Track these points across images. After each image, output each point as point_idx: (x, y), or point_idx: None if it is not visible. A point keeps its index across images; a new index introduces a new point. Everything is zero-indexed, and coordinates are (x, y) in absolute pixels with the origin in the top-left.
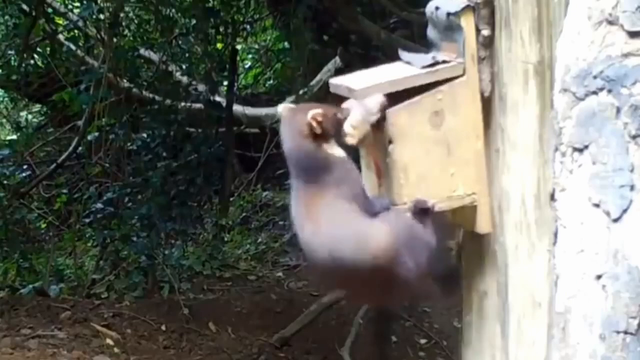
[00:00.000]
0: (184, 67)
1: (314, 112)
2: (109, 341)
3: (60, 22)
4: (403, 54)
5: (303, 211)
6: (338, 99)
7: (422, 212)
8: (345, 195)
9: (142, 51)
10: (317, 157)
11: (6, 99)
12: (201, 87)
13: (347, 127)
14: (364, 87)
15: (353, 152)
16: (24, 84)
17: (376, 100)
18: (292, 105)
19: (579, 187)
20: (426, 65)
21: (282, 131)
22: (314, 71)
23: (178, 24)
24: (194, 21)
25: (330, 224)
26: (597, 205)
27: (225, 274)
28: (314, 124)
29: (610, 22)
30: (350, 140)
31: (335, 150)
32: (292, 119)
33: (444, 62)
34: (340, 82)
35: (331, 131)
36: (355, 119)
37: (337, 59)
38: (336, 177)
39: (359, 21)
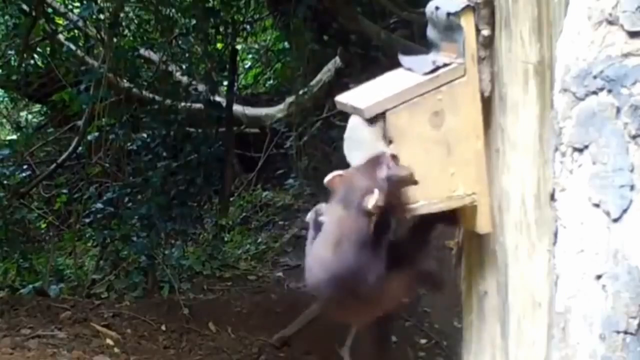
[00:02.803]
0: (184, 67)
1: (374, 200)
2: (109, 341)
3: (60, 22)
4: (403, 59)
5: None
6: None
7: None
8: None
9: (142, 51)
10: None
11: (6, 99)
12: (201, 87)
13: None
14: (369, 105)
15: None
16: (24, 84)
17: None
18: (340, 173)
19: (579, 187)
20: (427, 72)
21: (340, 199)
22: (314, 71)
23: (178, 24)
24: (194, 21)
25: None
26: (597, 205)
27: (225, 274)
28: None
29: (610, 22)
30: (406, 174)
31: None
32: (348, 200)
33: (445, 65)
34: (345, 101)
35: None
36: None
37: (337, 59)
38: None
39: (359, 21)
